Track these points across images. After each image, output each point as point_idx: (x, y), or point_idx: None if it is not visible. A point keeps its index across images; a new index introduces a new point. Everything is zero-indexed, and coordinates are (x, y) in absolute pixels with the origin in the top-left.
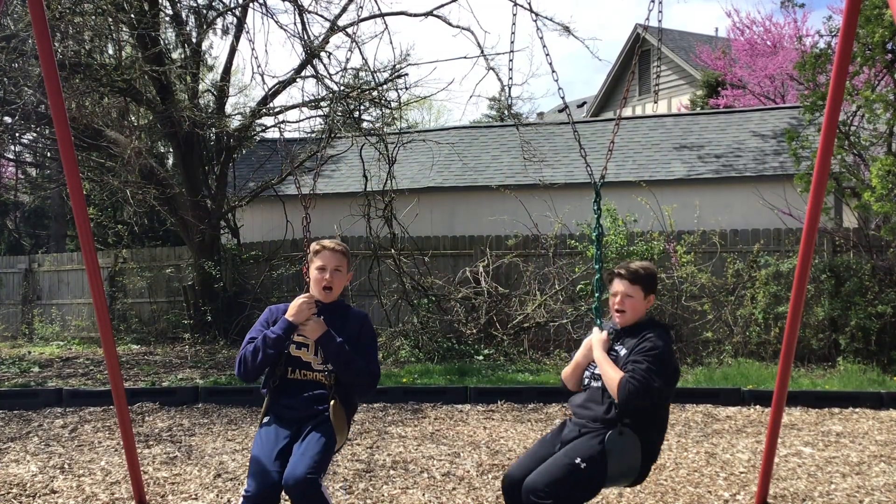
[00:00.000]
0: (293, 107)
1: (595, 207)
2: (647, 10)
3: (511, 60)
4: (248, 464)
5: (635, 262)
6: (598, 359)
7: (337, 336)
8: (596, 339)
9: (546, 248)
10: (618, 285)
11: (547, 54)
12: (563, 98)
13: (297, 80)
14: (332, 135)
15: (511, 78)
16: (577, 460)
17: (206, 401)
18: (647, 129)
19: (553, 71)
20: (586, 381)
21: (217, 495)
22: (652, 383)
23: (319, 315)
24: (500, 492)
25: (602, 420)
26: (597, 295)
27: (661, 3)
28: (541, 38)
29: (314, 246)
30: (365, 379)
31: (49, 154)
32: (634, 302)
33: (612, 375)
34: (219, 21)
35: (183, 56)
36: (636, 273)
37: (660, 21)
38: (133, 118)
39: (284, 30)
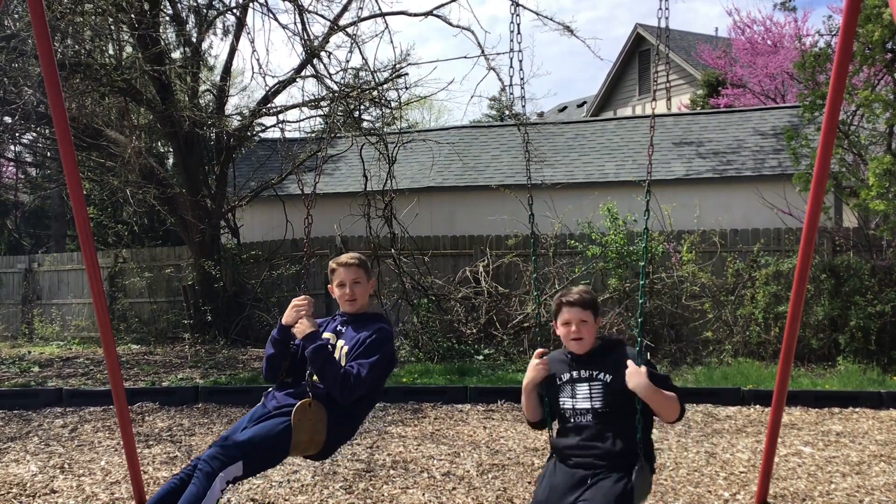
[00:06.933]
0: (293, 106)
1: (530, 223)
2: (650, 11)
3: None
4: None
5: (577, 288)
6: (649, 389)
7: (322, 339)
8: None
9: (546, 248)
10: (570, 314)
11: (518, 47)
12: (523, 103)
13: (298, 79)
14: (333, 134)
15: (511, 77)
16: None
17: (206, 401)
18: (647, 129)
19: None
20: (570, 417)
21: None
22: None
23: (347, 325)
24: (501, 491)
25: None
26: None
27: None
28: (516, 27)
29: (331, 265)
30: (336, 384)
31: (49, 154)
32: (590, 327)
33: (666, 403)
34: (219, 21)
35: (183, 56)
36: (586, 299)
37: (666, 19)
38: (133, 118)
39: (285, 29)
